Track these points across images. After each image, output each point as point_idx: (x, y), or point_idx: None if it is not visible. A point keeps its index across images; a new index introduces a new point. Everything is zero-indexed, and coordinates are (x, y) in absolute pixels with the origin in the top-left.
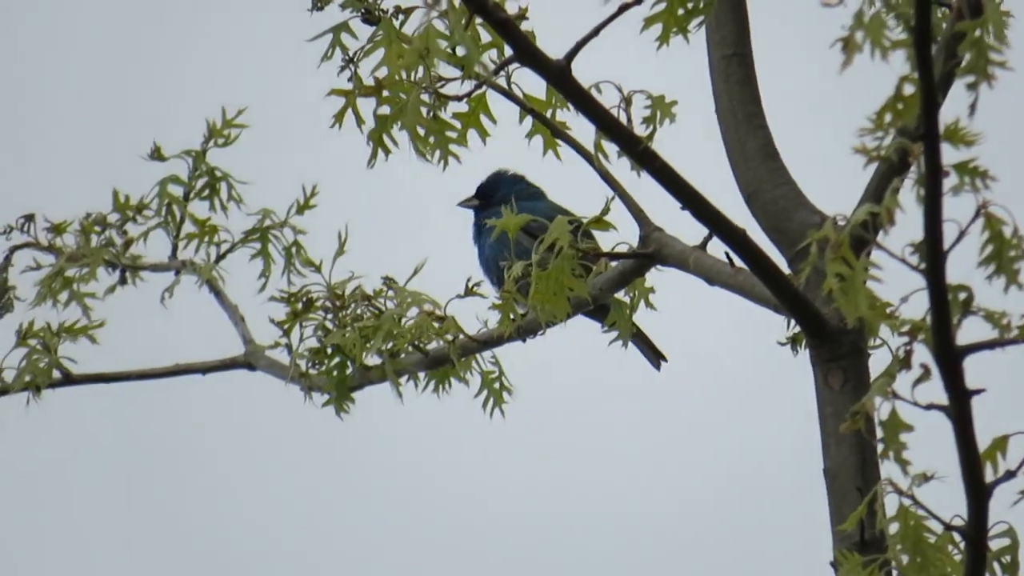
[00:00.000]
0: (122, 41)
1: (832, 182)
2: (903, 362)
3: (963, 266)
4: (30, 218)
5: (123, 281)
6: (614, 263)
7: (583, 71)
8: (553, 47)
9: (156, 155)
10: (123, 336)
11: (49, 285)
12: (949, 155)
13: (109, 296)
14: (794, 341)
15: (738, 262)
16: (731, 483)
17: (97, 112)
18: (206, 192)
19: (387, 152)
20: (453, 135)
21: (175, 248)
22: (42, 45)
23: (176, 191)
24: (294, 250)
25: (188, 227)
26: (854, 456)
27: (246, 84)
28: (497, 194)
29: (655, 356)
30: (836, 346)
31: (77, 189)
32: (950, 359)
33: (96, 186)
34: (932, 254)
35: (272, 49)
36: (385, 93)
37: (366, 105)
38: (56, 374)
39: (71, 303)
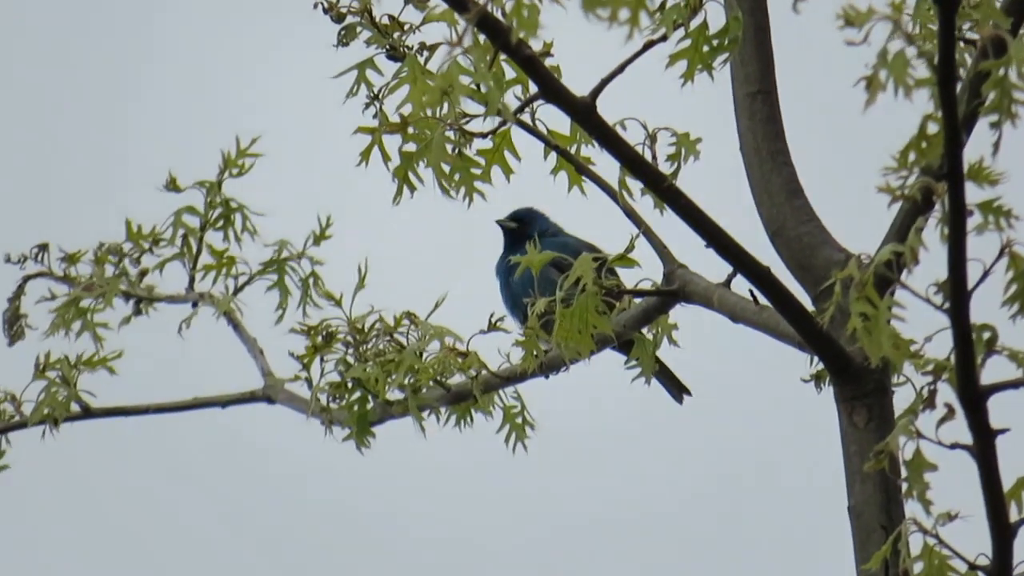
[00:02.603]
0: (138, 75)
1: (857, 219)
2: (927, 401)
3: (987, 304)
4: (44, 247)
5: (138, 312)
6: (638, 300)
7: (607, 106)
8: (577, 81)
9: (171, 186)
10: (141, 368)
11: (64, 315)
12: (973, 194)
13: (127, 328)
14: (818, 378)
15: (762, 299)
16: (755, 520)
17: (113, 142)
18: (220, 223)
19: (412, 189)
20: (478, 172)
21: (192, 280)
22: (56, 75)
23: (191, 221)
24: (311, 281)
25: (205, 258)
26: (879, 494)
27: (267, 116)
28: (531, 227)
29: (678, 390)
30: (861, 384)
31: (92, 220)
32: (974, 399)
33: (112, 217)
34: (956, 294)
35: (294, 82)
36: (411, 130)
37: (391, 141)
38: (75, 407)
39: (83, 333)
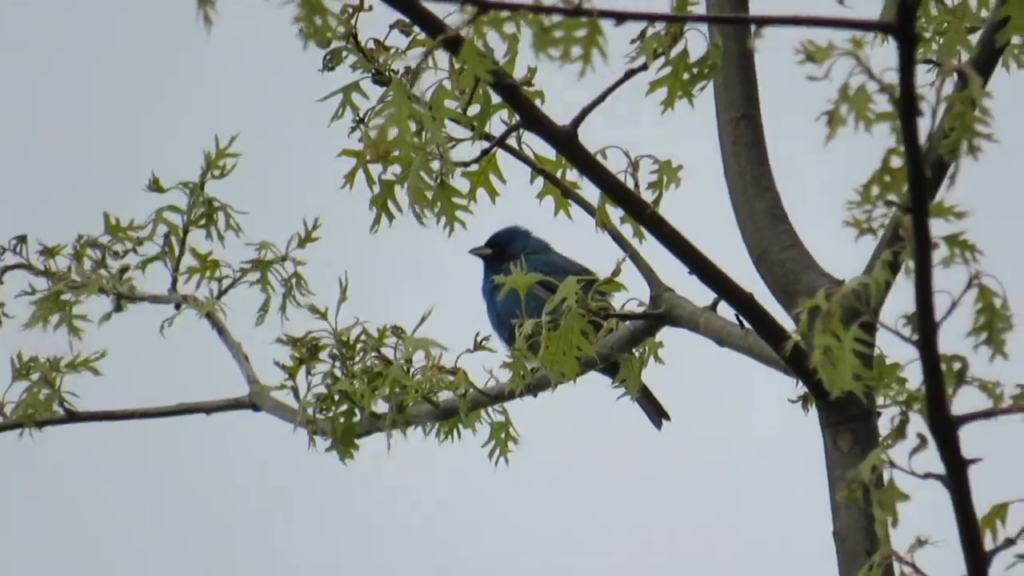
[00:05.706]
0: (124, 78)
1: (841, 244)
2: (897, 432)
3: (955, 332)
4: (22, 239)
5: (118, 308)
6: (625, 322)
7: (589, 132)
8: (560, 105)
9: (154, 187)
10: (124, 372)
11: (44, 309)
12: (940, 227)
13: (110, 330)
14: (804, 400)
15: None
16: (741, 544)
17: (97, 147)
18: (203, 222)
19: (391, 218)
20: (460, 201)
21: (175, 281)
22: (37, 73)
23: (174, 219)
24: (294, 282)
25: (188, 261)
26: (863, 519)
27: (254, 123)
28: (510, 247)
29: (657, 414)
30: (845, 409)
31: (74, 220)
32: (945, 429)
33: (94, 218)
34: (924, 326)
35: (279, 104)
36: (395, 153)
37: (375, 166)
38: (59, 411)
39: (61, 326)
